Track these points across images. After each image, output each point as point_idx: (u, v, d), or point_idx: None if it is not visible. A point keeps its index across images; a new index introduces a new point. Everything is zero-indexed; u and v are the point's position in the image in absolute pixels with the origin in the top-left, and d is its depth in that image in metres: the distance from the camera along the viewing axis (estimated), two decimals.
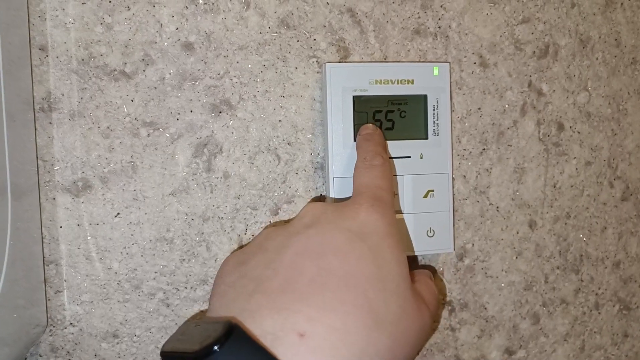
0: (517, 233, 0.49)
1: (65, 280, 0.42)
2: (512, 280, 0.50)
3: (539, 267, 0.50)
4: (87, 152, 0.42)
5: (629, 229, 0.52)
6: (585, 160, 0.50)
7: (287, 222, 0.45)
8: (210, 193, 0.44)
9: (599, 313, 0.52)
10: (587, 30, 0.50)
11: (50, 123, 0.42)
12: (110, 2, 0.42)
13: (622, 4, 0.50)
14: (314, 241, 0.32)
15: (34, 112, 0.41)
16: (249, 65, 0.44)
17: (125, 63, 0.42)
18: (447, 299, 0.49)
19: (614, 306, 0.52)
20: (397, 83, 0.44)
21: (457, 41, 0.47)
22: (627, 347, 0.53)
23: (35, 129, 0.41)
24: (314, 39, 0.45)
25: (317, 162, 0.45)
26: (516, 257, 0.50)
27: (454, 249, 0.47)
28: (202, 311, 0.44)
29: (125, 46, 0.42)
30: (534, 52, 0.49)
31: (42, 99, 0.41)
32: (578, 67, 0.50)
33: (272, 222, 0.45)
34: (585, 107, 0.50)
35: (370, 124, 0.44)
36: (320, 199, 0.45)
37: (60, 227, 0.42)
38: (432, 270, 0.48)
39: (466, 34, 0.47)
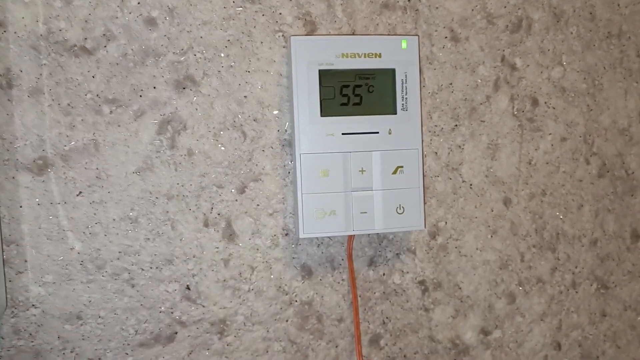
0: (492, 211, 0.49)
1: (26, 261, 0.42)
2: (487, 259, 0.49)
3: (514, 245, 0.49)
4: (47, 130, 0.41)
5: (606, 206, 0.51)
6: (561, 136, 0.50)
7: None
8: (174, 171, 0.43)
9: (576, 292, 0.51)
10: (560, 4, 0.49)
11: (9, 100, 0.41)
12: None
13: None
14: None
15: None
16: (213, 41, 0.43)
17: (86, 38, 0.41)
18: (420, 278, 0.48)
19: (591, 285, 0.51)
20: (365, 57, 0.43)
21: (427, 15, 0.46)
22: (605, 327, 0.52)
23: None
24: (280, 13, 0.44)
25: (285, 139, 0.45)
26: (491, 236, 0.49)
27: (425, 227, 0.47)
28: (167, 291, 0.43)
29: (86, 21, 0.41)
30: (507, 26, 0.48)
31: (1, 75, 0.40)
32: (552, 41, 0.49)
33: (238, 199, 0.44)
34: (559, 82, 0.49)
35: None
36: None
37: (21, 206, 0.41)
38: None
39: (437, 8, 0.46)
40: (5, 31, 0.40)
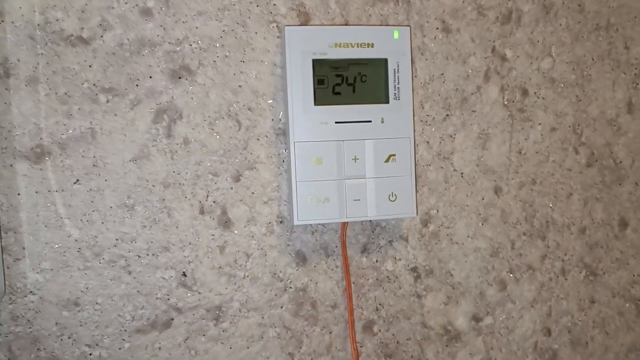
0: (483, 199, 0.50)
1: (24, 248, 0.42)
2: (478, 247, 0.50)
3: (505, 233, 0.50)
4: (45, 119, 0.42)
5: (594, 195, 0.52)
6: (550, 126, 0.51)
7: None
8: (170, 159, 0.44)
9: (566, 279, 0.52)
10: None
11: (6, 89, 0.41)
12: None
13: None
14: None
15: None
16: (209, 31, 0.44)
17: (83, 28, 0.42)
18: (412, 265, 0.49)
19: (580, 272, 0.52)
20: (357, 46, 0.44)
21: (419, 6, 0.47)
22: (593, 313, 0.53)
23: None
24: (274, 4, 0.45)
25: (279, 127, 0.45)
26: (482, 224, 0.50)
27: (417, 214, 0.47)
28: (163, 278, 0.44)
29: (82, 11, 0.42)
30: (497, 17, 0.49)
31: None
32: (542, 32, 0.50)
33: (233, 187, 0.45)
34: (549, 72, 0.50)
35: None
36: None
37: (19, 194, 0.42)
38: None
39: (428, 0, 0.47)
40: (2, 21, 0.41)
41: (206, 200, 0.44)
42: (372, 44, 0.44)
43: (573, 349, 0.53)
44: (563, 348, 0.52)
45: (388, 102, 0.44)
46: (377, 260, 0.48)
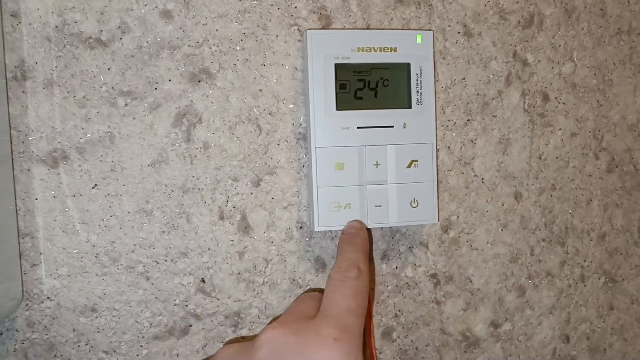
0: (503, 205, 0.49)
1: (41, 254, 0.41)
2: (498, 253, 0.49)
3: (524, 239, 0.50)
4: (62, 122, 0.41)
5: (615, 201, 0.52)
6: (571, 132, 0.50)
7: (245, 339, 0.44)
8: (190, 164, 0.43)
9: (585, 285, 0.52)
10: (572, 0, 0.49)
11: (23, 92, 0.40)
12: None
13: None
14: None
15: (6, 80, 0.40)
16: (229, 33, 0.43)
17: (101, 30, 0.41)
18: (432, 271, 0.48)
19: (599, 278, 0.52)
20: (380, 51, 0.43)
21: (440, 10, 0.46)
22: (612, 320, 0.53)
23: (8, 98, 0.40)
24: (295, 7, 0.44)
25: (299, 132, 0.45)
26: (501, 229, 0.49)
27: (439, 221, 0.47)
28: (181, 284, 0.43)
29: (101, 13, 0.41)
30: (519, 21, 0.48)
31: (15, 67, 0.40)
32: (563, 37, 0.49)
33: (253, 192, 0.44)
34: (570, 77, 0.50)
35: (357, 222, 0.42)
36: (276, 318, 0.44)
37: (36, 199, 0.41)
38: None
39: (450, 3, 0.47)
40: (19, 22, 0.40)
41: (225, 206, 0.44)
42: (395, 48, 0.43)
43: (591, 355, 0.52)
44: (581, 355, 0.52)
45: (410, 107, 0.44)
46: (396, 267, 0.47)
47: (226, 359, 0.32)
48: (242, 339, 0.45)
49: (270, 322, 0.34)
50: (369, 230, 0.45)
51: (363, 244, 0.40)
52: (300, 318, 0.33)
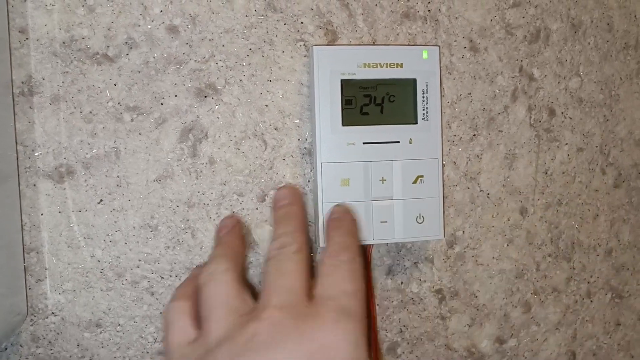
0: (508, 220, 0.49)
1: (46, 269, 0.41)
2: (503, 268, 0.49)
3: (530, 254, 0.50)
4: (69, 137, 0.41)
5: (621, 216, 0.51)
6: (577, 147, 0.50)
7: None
8: (195, 179, 0.43)
9: (591, 301, 0.51)
10: (578, 15, 0.49)
11: (30, 107, 0.41)
12: None
13: None
14: None
15: (13, 96, 0.40)
16: (235, 49, 0.43)
17: (108, 46, 0.41)
18: (437, 287, 0.48)
19: (606, 294, 0.52)
20: (386, 67, 0.43)
21: (447, 25, 0.46)
22: (619, 336, 0.52)
23: (15, 114, 0.40)
24: (302, 22, 0.44)
25: (305, 147, 0.45)
26: (507, 245, 0.49)
27: (444, 236, 0.47)
28: None
29: (108, 29, 0.41)
30: (525, 36, 0.48)
31: (22, 82, 0.40)
32: (570, 52, 0.49)
33: (258, 208, 0.44)
34: (577, 92, 0.50)
35: (339, 207, 0.41)
36: None
37: (42, 214, 0.41)
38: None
39: (456, 18, 0.46)
40: (27, 38, 0.40)
41: None
42: (401, 64, 0.43)
43: None
44: None
45: (416, 123, 0.44)
46: (402, 282, 0.47)
47: (229, 333, 0.30)
48: None
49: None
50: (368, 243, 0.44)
51: (350, 226, 0.39)
52: (293, 298, 0.31)
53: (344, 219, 0.40)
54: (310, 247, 0.40)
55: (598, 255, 0.51)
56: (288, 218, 0.39)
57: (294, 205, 0.40)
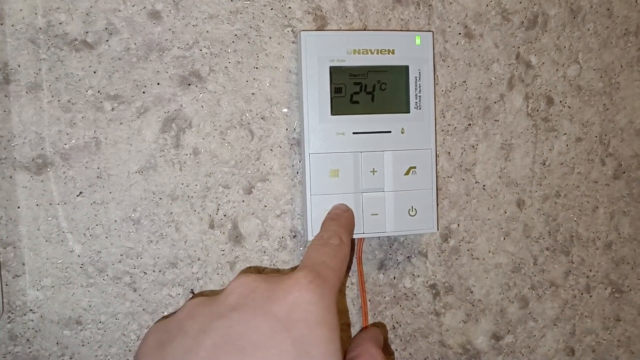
0: (505, 213, 0.47)
1: (24, 264, 0.40)
2: (500, 262, 0.48)
3: (527, 248, 0.48)
4: (46, 127, 0.40)
5: (621, 209, 0.50)
6: (576, 137, 0.48)
7: (215, 293, 0.42)
8: (179, 170, 0.41)
9: (590, 296, 0.50)
10: (577, 0, 0.47)
11: (6, 96, 0.39)
12: None
13: None
14: (236, 331, 0.27)
15: None
16: (220, 35, 0.41)
17: (87, 32, 0.40)
18: (431, 282, 0.46)
19: (605, 289, 0.50)
20: (377, 53, 0.41)
21: (440, 10, 0.45)
22: (619, 332, 0.51)
23: None
24: (289, 7, 0.42)
25: (293, 137, 0.43)
26: (503, 238, 0.47)
27: (438, 229, 0.45)
28: (170, 295, 0.42)
29: (87, 14, 0.40)
30: (522, 22, 0.46)
31: None
32: (568, 38, 0.47)
33: (245, 200, 0.42)
34: (575, 80, 0.48)
35: (343, 204, 0.41)
36: (257, 269, 0.43)
37: (19, 207, 0.39)
38: (384, 329, 0.45)
39: (450, 3, 0.45)
40: (2, 24, 0.38)
41: (216, 214, 0.42)
42: (393, 50, 0.41)
43: None
44: None
45: (409, 112, 0.42)
46: (394, 277, 0.45)
47: (196, 307, 0.30)
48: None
49: None
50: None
51: (347, 222, 0.39)
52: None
53: (342, 215, 0.40)
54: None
55: (597, 248, 0.50)
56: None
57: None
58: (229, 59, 0.42)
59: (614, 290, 0.50)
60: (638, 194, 0.50)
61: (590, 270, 0.50)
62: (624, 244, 0.50)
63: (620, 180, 0.49)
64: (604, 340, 0.51)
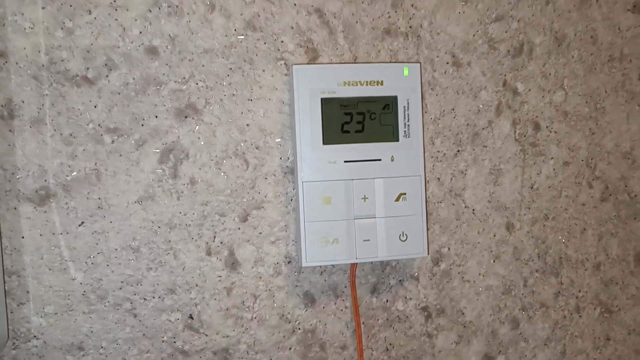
0: (495, 236, 0.48)
1: (28, 292, 0.41)
2: (490, 285, 0.49)
3: (517, 270, 0.49)
4: (49, 160, 0.41)
5: (609, 230, 0.51)
6: (563, 161, 0.49)
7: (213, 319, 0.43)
8: (176, 200, 0.43)
9: (580, 316, 0.51)
10: (562, 28, 0.49)
11: (10, 130, 0.41)
12: (70, 6, 0.41)
13: (597, 0, 0.49)
14: None
15: None
16: (215, 69, 0.43)
17: (88, 68, 0.41)
18: (423, 304, 0.47)
19: (595, 309, 0.51)
20: (367, 84, 0.43)
21: (429, 40, 0.46)
22: (609, 351, 0.52)
23: None
24: (282, 41, 0.44)
25: (287, 166, 0.44)
26: (494, 261, 0.49)
27: (429, 254, 0.46)
28: (169, 321, 0.43)
29: (87, 51, 0.41)
30: (509, 50, 0.48)
31: (2, 106, 0.40)
32: (554, 65, 0.49)
33: (240, 228, 0.44)
34: (562, 106, 0.49)
35: None
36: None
37: (23, 237, 0.41)
38: None
39: (438, 33, 0.46)
40: (6, 62, 0.40)
41: (213, 241, 0.43)
42: (382, 81, 0.43)
43: None
44: None
45: (398, 140, 0.43)
46: (387, 300, 0.47)
47: None
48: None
49: None
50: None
51: None
52: None
53: None
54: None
55: (586, 269, 0.51)
56: None
57: None
58: (224, 91, 0.43)
59: (603, 310, 0.51)
60: (625, 216, 0.51)
61: (580, 291, 0.51)
62: (612, 264, 0.51)
63: (608, 202, 0.51)
64: (595, 359, 0.51)
